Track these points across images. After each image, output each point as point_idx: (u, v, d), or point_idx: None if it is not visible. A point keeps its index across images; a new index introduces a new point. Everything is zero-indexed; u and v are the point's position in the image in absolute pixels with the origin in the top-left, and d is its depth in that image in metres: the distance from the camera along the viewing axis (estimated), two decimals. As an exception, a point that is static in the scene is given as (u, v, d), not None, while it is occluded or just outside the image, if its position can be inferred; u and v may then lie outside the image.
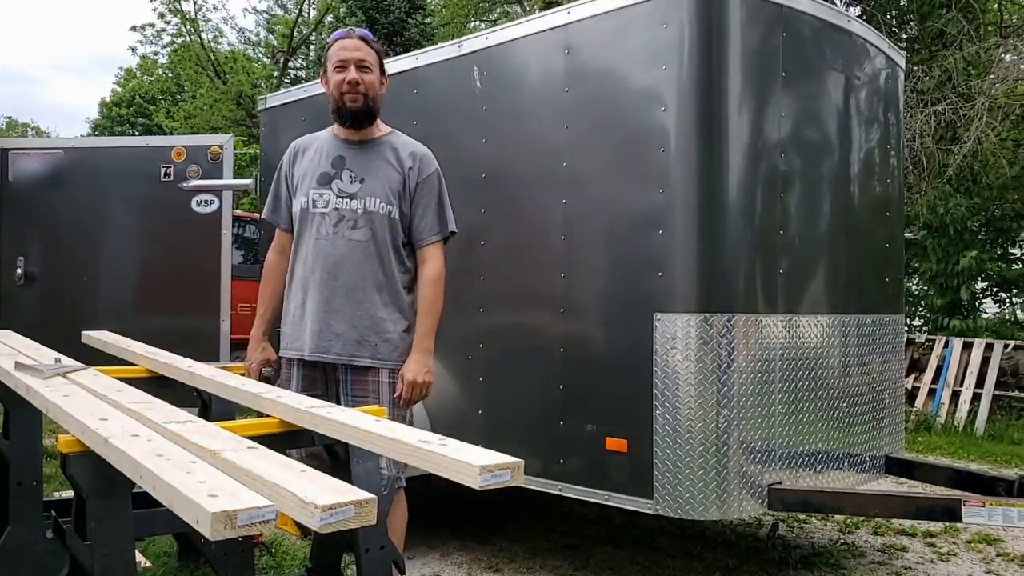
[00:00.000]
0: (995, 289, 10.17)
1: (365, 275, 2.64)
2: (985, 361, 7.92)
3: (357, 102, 2.65)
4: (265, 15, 23.32)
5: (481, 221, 3.68)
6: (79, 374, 2.35)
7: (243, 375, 2.68)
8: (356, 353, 2.63)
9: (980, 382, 7.83)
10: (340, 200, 2.66)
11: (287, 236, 2.82)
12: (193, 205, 6.13)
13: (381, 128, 2.77)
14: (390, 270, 2.67)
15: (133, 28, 21.88)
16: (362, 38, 2.70)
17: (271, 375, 2.80)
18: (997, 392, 7.81)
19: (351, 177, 2.67)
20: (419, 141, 2.80)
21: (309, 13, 21.10)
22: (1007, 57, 9.54)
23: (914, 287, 10.30)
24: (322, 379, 2.73)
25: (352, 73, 2.63)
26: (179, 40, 20.65)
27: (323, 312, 2.65)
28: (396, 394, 2.64)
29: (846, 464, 3.52)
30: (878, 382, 3.75)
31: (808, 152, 3.37)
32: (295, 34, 19.76)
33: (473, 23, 19.49)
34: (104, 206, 6.28)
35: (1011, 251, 10.20)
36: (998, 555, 4.09)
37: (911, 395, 8.02)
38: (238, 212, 8.45)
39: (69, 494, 2.56)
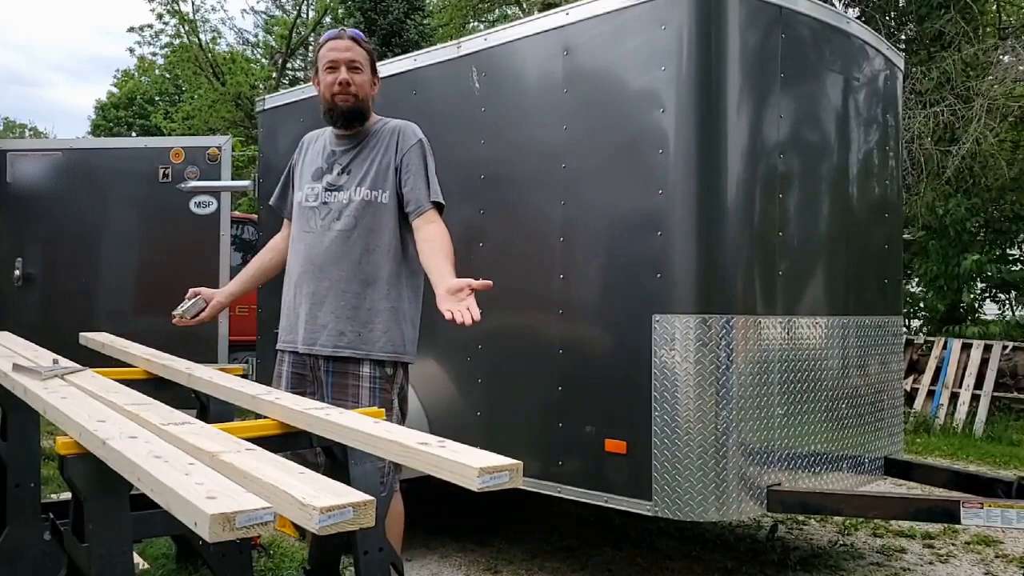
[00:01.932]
0: (994, 291, 10.18)
1: (349, 265, 2.64)
2: (984, 362, 7.93)
3: (348, 102, 2.66)
4: (263, 16, 23.33)
5: (480, 222, 3.68)
6: (77, 376, 2.35)
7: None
8: (338, 344, 2.63)
9: (979, 383, 7.84)
10: (328, 193, 2.70)
11: (289, 226, 2.90)
12: (191, 206, 6.12)
13: (372, 119, 2.77)
14: (377, 260, 2.64)
15: (131, 29, 21.91)
16: (353, 38, 2.70)
17: (194, 302, 2.89)
18: (996, 393, 7.82)
19: (340, 170, 2.71)
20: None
21: (307, 14, 21.11)
22: (1005, 58, 9.55)
23: (914, 288, 10.31)
24: (311, 378, 2.73)
25: (343, 73, 2.64)
26: (177, 41, 20.66)
27: (310, 304, 2.68)
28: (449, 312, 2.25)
29: (845, 465, 3.52)
30: (877, 383, 3.75)
31: (807, 153, 3.37)
32: (293, 35, 19.77)
33: (472, 24, 19.51)
34: (102, 207, 6.27)
35: (1010, 252, 10.21)
36: (997, 556, 4.09)
37: (910, 396, 8.02)
38: (236, 213, 8.42)
39: (67, 496, 2.55)
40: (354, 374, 2.62)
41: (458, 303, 2.19)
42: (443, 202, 2.66)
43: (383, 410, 2.27)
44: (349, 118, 2.69)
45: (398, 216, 2.67)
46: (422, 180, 2.63)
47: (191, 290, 2.93)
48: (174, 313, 2.88)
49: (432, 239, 2.53)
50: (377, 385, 2.62)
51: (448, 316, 2.17)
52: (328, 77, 2.67)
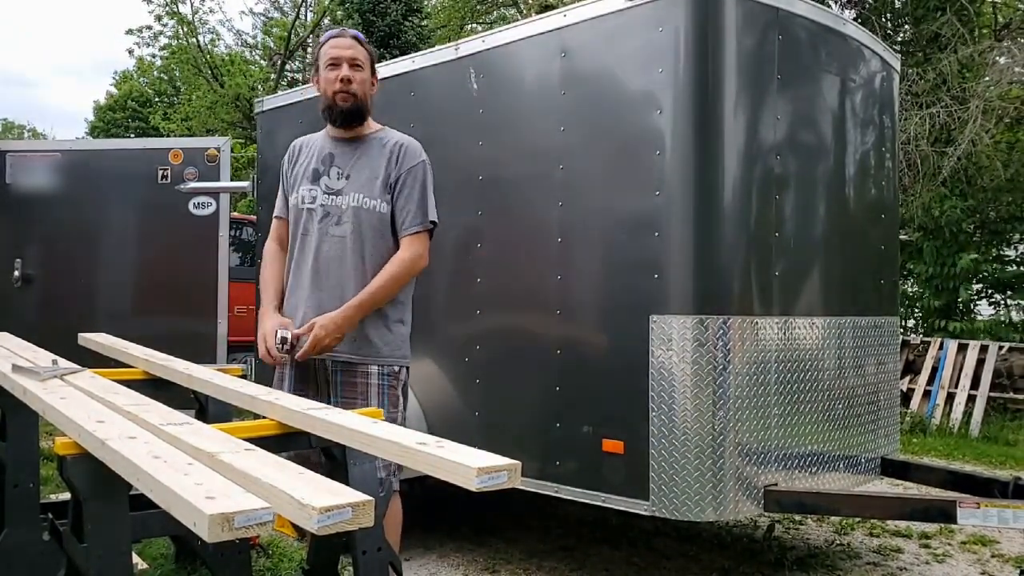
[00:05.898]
0: (990, 291, 10.20)
1: (349, 271, 2.65)
2: (980, 363, 7.94)
3: (348, 102, 2.68)
4: (262, 17, 23.32)
5: (478, 224, 3.69)
6: (76, 376, 2.35)
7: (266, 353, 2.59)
8: (339, 349, 2.64)
9: (975, 384, 7.84)
10: (327, 197, 2.70)
11: (286, 226, 2.84)
12: (190, 207, 6.12)
13: (371, 126, 2.79)
14: (375, 266, 2.65)
15: (130, 31, 21.87)
16: (355, 37, 2.73)
17: (287, 336, 2.56)
18: (992, 394, 7.82)
19: (338, 174, 2.71)
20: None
21: (306, 16, 21.10)
22: (1001, 60, 9.57)
23: (910, 289, 10.32)
24: (313, 379, 2.73)
25: (345, 70, 2.66)
26: (176, 43, 20.63)
27: (310, 308, 2.68)
28: (299, 350, 2.55)
29: (842, 465, 3.53)
30: (873, 384, 3.76)
31: (803, 155, 3.39)
32: (292, 37, 19.76)
33: (470, 26, 19.50)
34: (101, 208, 6.26)
35: (1005, 253, 10.22)
36: (993, 556, 4.10)
37: (906, 397, 8.04)
38: (235, 214, 8.42)
39: (66, 496, 2.56)
40: (363, 372, 2.65)
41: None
42: (436, 221, 2.72)
43: (381, 410, 2.28)
44: (348, 118, 2.70)
45: (393, 225, 2.69)
46: (414, 202, 2.67)
47: (277, 331, 2.60)
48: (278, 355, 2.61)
49: (390, 262, 2.64)
50: (385, 383, 2.66)
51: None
52: (330, 74, 2.68)
